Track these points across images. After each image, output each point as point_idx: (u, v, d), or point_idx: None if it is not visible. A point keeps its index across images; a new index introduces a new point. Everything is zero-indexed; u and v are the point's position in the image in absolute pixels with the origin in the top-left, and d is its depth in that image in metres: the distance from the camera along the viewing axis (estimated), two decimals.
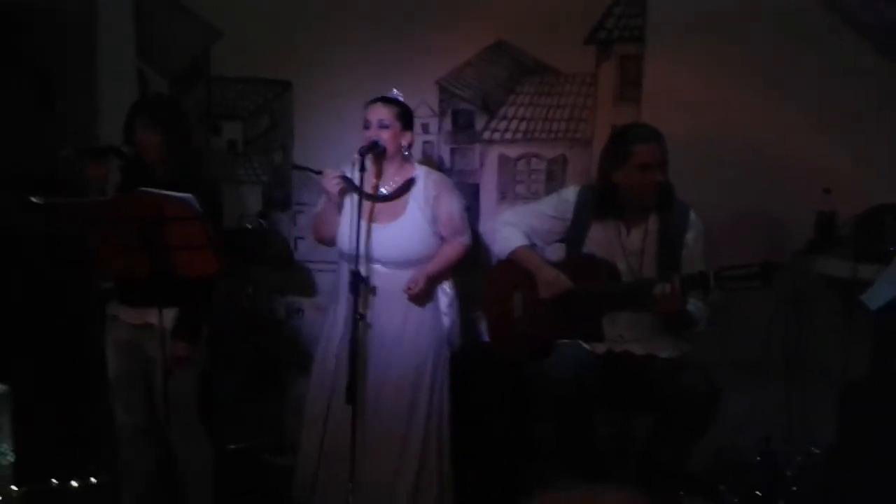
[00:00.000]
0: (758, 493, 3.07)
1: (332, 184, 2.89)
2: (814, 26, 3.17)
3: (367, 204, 2.86)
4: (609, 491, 1.09)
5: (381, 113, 2.87)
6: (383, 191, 2.94)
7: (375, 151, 2.84)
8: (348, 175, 2.89)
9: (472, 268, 3.34)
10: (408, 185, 2.93)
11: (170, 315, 2.69)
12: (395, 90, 2.98)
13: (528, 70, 3.54)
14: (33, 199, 2.44)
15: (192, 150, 2.95)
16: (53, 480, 3.17)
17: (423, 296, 2.91)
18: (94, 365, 2.91)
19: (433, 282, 2.94)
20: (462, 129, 3.64)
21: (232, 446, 3.48)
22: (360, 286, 2.75)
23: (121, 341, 2.82)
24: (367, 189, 2.87)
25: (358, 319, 2.72)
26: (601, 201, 2.83)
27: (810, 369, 3.08)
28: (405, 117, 2.94)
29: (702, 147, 3.18)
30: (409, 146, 2.97)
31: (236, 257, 2.98)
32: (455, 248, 2.97)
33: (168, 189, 2.46)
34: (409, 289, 2.87)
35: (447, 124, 3.65)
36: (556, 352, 2.78)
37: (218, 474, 2.93)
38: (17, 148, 3.53)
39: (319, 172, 2.99)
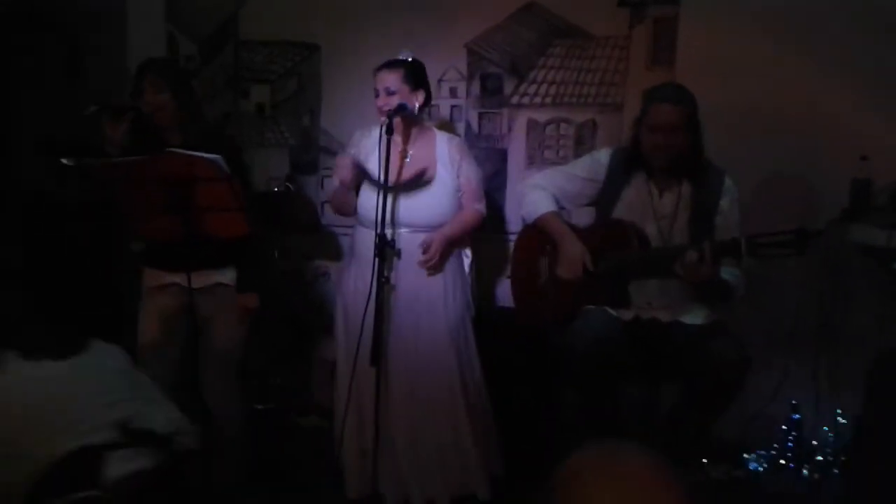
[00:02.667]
0: (782, 461, 3.06)
1: (344, 172, 2.86)
2: None
3: (394, 167, 2.84)
4: (634, 451, 1.09)
5: (387, 80, 2.82)
6: (406, 157, 2.91)
7: (403, 114, 2.81)
8: (372, 144, 2.86)
9: (494, 234, 3.34)
10: (424, 147, 2.91)
11: (232, 273, 2.80)
12: (402, 52, 2.90)
13: (559, 33, 3.49)
14: (65, 162, 2.45)
15: (200, 111, 2.93)
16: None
17: (440, 260, 2.88)
18: (131, 330, 2.94)
19: (452, 245, 2.92)
20: (491, 93, 3.60)
21: (259, 407, 3.52)
22: (386, 250, 2.74)
23: (172, 307, 2.83)
24: (395, 153, 2.84)
25: (383, 283, 2.72)
26: (627, 157, 2.80)
27: (842, 338, 3.04)
28: (415, 77, 2.85)
29: (736, 112, 3.12)
30: (423, 106, 2.89)
31: (263, 220, 2.98)
32: (472, 214, 2.93)
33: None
34: (425, 252, 2.82)
35: (475, 88, 3.61)
36: (581, 318, 2.77)
37: (249, 438, 2.98)
38: (47, 113, 3.55)
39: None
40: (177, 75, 2.84)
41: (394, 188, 2.82)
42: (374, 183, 2.81)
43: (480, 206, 2.96)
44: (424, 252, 2.83)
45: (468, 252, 3.02)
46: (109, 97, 2.77)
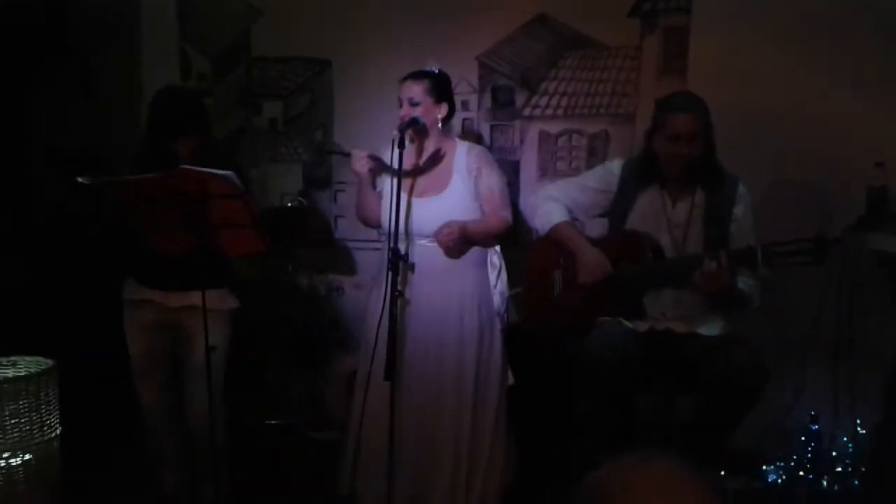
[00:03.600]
0: (801, 472, 3.02)
1: (360, 164, 2.87)
2: None
3: (408, 179, 2.84)
4: (662, 461, 1.08)
5: (411, 90, 2.83)
6: (427, 163, 2.91)
7: (415, 127, 2.82)
8: (384, 157, 2.87)
9: (511, 245, 3.33)
10: (437, 156, 2.89)
11: (214, 295, 2.73)
12: (430, 63, 2.93)
13: (570, 44, 3.49)
14: (80, 180, 2.47)
15: (213, 136, 2.96)
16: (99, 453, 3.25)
17: (455, 250, 2.83)
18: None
19: (468, 241, 2.86)
20: (502, 105, 3.61)
21: (274, 422, 3.52)
22: (400, 264, 2.74)
23: (150, 321, 2.84)
24: (407, 167, 2.84)
25: (397, 297, 2.72)
26: (640, 167, 2.79)
27: (859, 348, 3.01)
28: (439, 89, 2.87)
29: (749, 120, 3.11)
30: (448, 118, 2.91)
31: (277, 236, 3.00)
32: (496, 219, 2.91)
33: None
34: (442, 232, 2.78)
35: (487, 101, 3.62)
36: (596, 329, 2.75)
37: (259, 449, 2.97)
38: (61, 128, 3.58)
39: (348, 154, 2.96)
40: (204, 114, 2.86)
41: (408, 199, 2.82)
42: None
43: (506, 214, 2.93)
44: (445, 228, 2.78)
45: (496, 261, 2.99)
46: (124, 113, 2.78)
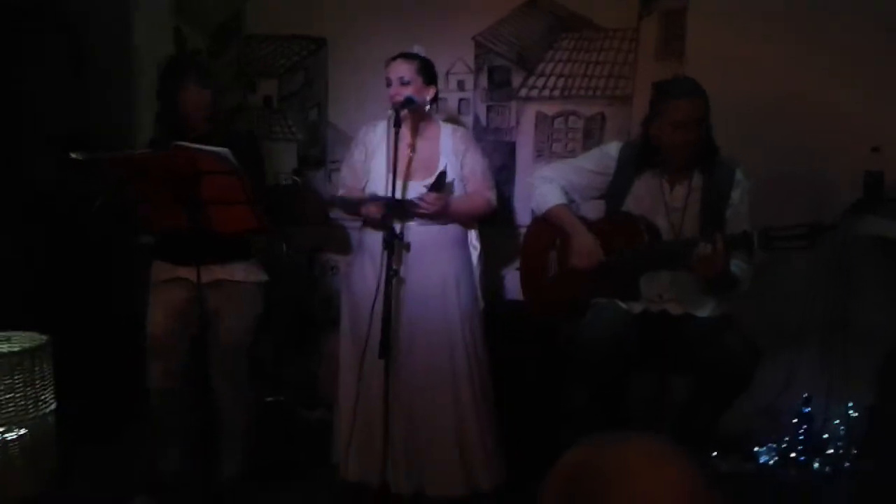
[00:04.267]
0: (793, 454, 3.05)
1: (373, 211, 2.85)
2: None
3: (402, 161, 2.83)
4: (639, 438, 1.06)
5: (402, 69, 2.83)
6: (418, 145, 2.91)
7: (411, 107, 2.81)
8: (378, 133, 2.88)
9: (504, 226, 3.33)
10: (428, 138, 2.91)
11: (241, 268, 2.81)
12: (416, 46, 2.92)
13: (567, 25, 3.47)
14: (73, 155, 2.45)
15: (219, 106, 2.97)
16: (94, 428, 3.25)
17: (437, 216, 2.83)
18: (134, 319, 2.94)
19: (448, 215, 2.86)
20: (498, 86, 3.59)
21: (268, 399, 3.53)
22: (395, 243, 2.73)
23: (180, 300, 2.83)
24: (403, 146, 2.83)
25: (392, 276, 2.71)
26: (639, 153, 2.78)
27: (853, 331, 3.02)
28: (426, 72, 2.88)
29: (746, 104, 3.10)
30: (433, 101, 2.92)
31: (272, 214, 2.99)
32: (480, 200, 2.94)
33: (210, 142, 2.46)
34: (424, 199, 2.78)
35: (483, 81, 3.60)
36: (591, 311, 2.76)
37: (255, 427, 2.99)
38: (53, 109, 3.55)
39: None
40: (212, 74, 2.90)
41: (402, 180, 2.82)
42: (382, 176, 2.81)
43: (490, 195, 2.96)
44: (429, 195, 2.78)
45: (476, 244, 3.02)
46: (118, 91, 2.78)
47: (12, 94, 3.53)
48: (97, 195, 2.81)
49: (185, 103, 2.78)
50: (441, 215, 2.83)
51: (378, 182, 2.89)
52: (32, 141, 3.62)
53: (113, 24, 3.86)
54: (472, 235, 3.02)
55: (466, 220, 2.97)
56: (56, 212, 3.54)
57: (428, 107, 2.89)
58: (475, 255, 3.01)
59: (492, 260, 3.19)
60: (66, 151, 2.47)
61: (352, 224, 3.56)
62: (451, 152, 2.90)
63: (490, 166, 3.05)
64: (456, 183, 2.90)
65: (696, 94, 2.65)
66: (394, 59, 2.87)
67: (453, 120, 3.38)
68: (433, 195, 2.78)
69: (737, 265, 2.65)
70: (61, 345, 2.60)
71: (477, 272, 3.01)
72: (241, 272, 2.87)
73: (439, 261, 2.89)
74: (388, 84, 2.85)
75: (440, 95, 3.11)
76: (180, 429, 2.95)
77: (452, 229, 2.94)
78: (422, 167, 2.89)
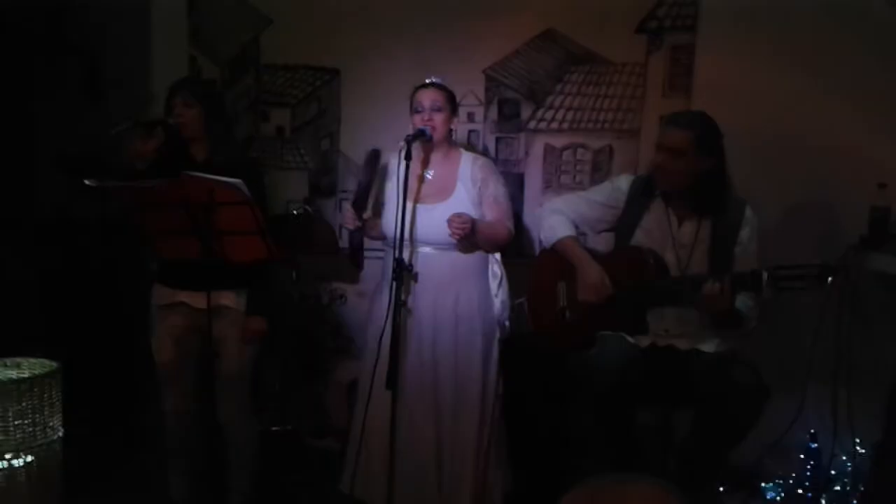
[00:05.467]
0: (800, 490, 3.03)
1: (348, 220, 2.92)
2: (869, 17, 3.10)
3: (413, 185, 2.87)
4: (638, 482, 1.08)
5: (435, 96, 2.91)
6: (428, 175, 2.95)
7: (422, 139, 2.85)
8: (391, 166, 2.92)
9: (516, 256, 3.34)
10: (444, 165, 2.96)
11: (242, 296, 2.83)
12: (431, 77, 3.00)
13: (576, 59, 3.51)
14: (87, 182, 2.49)
15: (230, 131, 3.00)
16: (101, 457, 3.26)
17: (464, 242, 2.85)
18: (143, 346, 2.96)
19: (475, 239, 2.87)
20: (508, 118, 3.63)
21: (275, 428, 3.53)
22: (403, 273, 2.75)
23: (182, 326, 2.86)
24: (412, 177, 2.86)
25: (400, 306, 2.73)
26: (646, 184, 2.83)
27: (860, 368, 3.01)
28: (453, 102, 2.99)
29: (753, 139, 3.12)
30: (455, 131, 3.02)
31: (282, 243, 3.02)
32: (502, 228, 2.96)
33: (207, 170, 2.50)
34: (455, 221, 2.77)
35: (493, 113, 3.64)
36: (598, 343, 2.76)
37: (260, 456, 2.99)
38: (68, 133, 3.61)
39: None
40: (207, 93, 2.92)
41: (413, 207, 2.85)
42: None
43: (510, 225, 3.00)
44: (457, 217, 2.79)
45: (497, 270, 3.02)
46: (131, 117, 2.81)
47: (29, 118, 3.59)
48: (121, 122, 2.78)
49: (176, 120, 2.80)
50: (468, 238, 2.83)
51: (390, 210, 2.92)
52: (46, 166, 3.67)
53: (130, 52, 3.92)
54: (494, 264, 3.02)
55: (489, 247, 2.99)
56: (67, 237, 3.58)
57: (453, 135, 3.00)
58: (496, 282, 3.01)
59: None
60: (80, 177, 2.51)
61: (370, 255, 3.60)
62: (468, 179, 2.94)
63: (509, 196, 3.07)
64: (470, 209, 2.90)
65: (686, 126, 2.68)
66: (425, 86, 2.94)
67: (476, 152, 3.40)
68: (458, 219, 2.78)
69: (744, 303, 2.66)
70: (71, 371, 2.61)
71: (499, 300, 3.01)
72: (244, 300, 2.88)
73: (450, 289, 2.90)
74: (419, 110, 2.90)
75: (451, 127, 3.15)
76: (193, 455, 2.96)
77: (471, 258, 2.95)
78: (436, 192, 2.93)
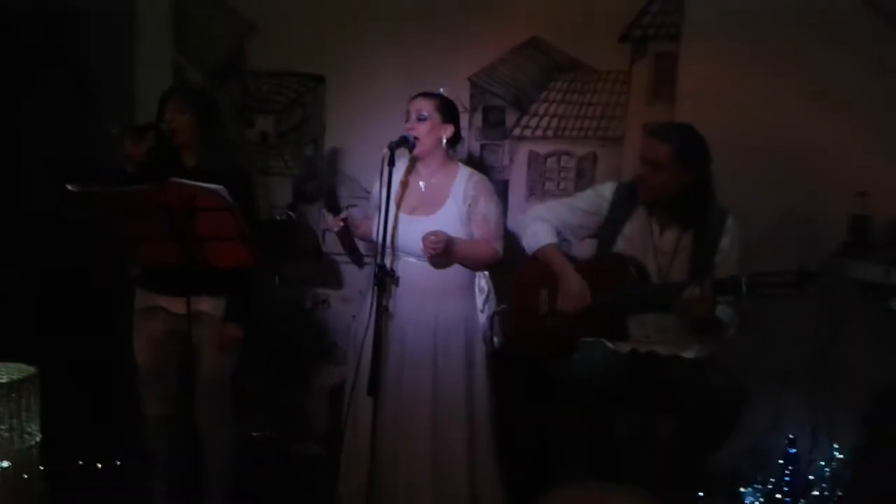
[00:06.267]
0: (779, 495, 3.05)
1: (331, 224, 2.94)
2: (852, 26, 3.12)
3: (399, 193, 2.87)
4: (619, 492, 1.09)
5: (421, 105, 2.86)
6: (421, 185, 2.93)
7: (405, 146, 2.85)
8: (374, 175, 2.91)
9: (500, 265, 3.35)
10: (435, 177, 2.92)
11: (221, 302, 2.82)
12: (442, 89, 2.94)
13: (561, 67, 3.53)
14: (70, 188, 2.49)
15: (223, 139, 3.00)
16: (79, 462, 3.25)
17: (437, 260, 2.81)
18: (123, 350, 2.96)
19: (451, 254, 2.81)
20: (492, 125, 3.65)
21: (255, 433, 3.53)
22: (386, 280, 2.76)
23: (160, 331, 2.86)
24: (396, 184, 2.86)
25: (382, 312, 2.73)
26: (629, 191, 2.84)
27: (839, 374, 3.03)
28: (446, 110, 2.90)
29: (736, 147, 3.13)
30: (453, 140, 2.93)
31: (265, 248, 3.02)
32: (486, 248, 2.88)
33: (196, 176, 2.51)
34: (429, 238, 2.73)
35: (478, 120, 3.66)
36: (579, 350, 2.77)
37: (241, 461, 2.99)
38: (57, 140, 3.60)
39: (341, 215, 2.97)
40: (199, 100, 2.91)
41: (398, 216, 2.84)
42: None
43: (497, 246, 2.90)
44: (431, 236, 2.74)
45: (483, 285, 2.98)
46: (118, 124, 2.82)
47: (15, 123, 3.58)
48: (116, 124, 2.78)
49: (167, 126, 2.80)
50: (442, 256, 2.79)
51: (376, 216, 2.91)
52: (34, 172, 3.67)
53: (116, 60, 3.92)
54: (481, 279, 2.98)
55: (471, 266, 2.92)
56: (49, 242, 3.57)
57: (444, 145, 2.88)
58: (482, 297, 2.97)
59: None
60: (64, 181, 2.51)
61: (343, 258, 3.60)
62: (460, 195, 2.88)
63: (502, 217, 2.99)
64: (457, 226, 2.87)
65: (665, 138, 2.69)
66: (416, 95, 2.91)
67: (474, 166, 3.40)
68: (431, 237, 2.74)
69: (723, 310, 2.67)
70: (50, 376, 2.61)
71: (485, 315, 2.96)
72: (222, 306, 2.87)
73: (432, 300, 2.88)
74: (406, 119, 2.89)
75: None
76: (172, 460, 2.96)
77: (456, 271, 2.90)
78: (424, 204, 2.89)
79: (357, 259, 3.04)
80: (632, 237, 2.82)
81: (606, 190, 2.92)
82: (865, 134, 3.12)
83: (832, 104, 3.16)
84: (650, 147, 2.72)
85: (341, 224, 2.91)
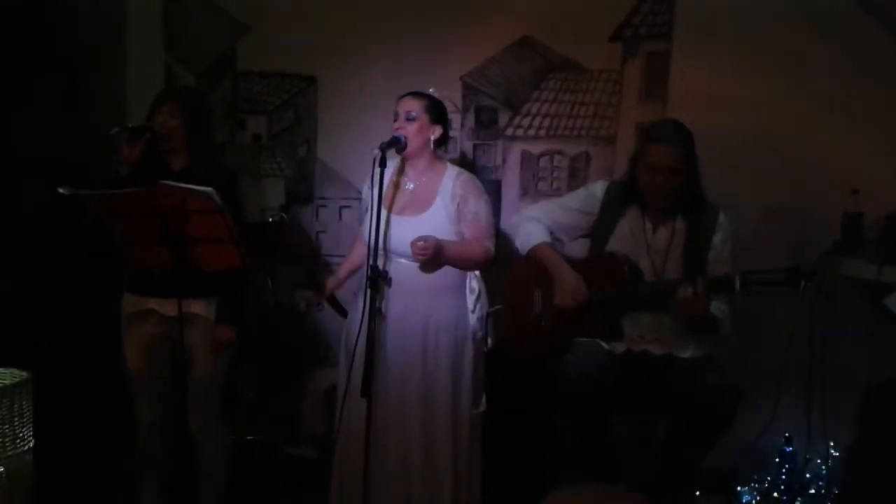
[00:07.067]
0: (775, 493, 3.05)
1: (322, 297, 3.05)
2: (844, 25, 3.13)
3: (390, 194, 2.86)
4: (618, 495, 1.08)
5: (409, 105, 2.85)
6: (409, 185, 2.92)
7: (396, 147, 2.84)
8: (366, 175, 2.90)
9: (492, 264, 3.34)
10: (423, 177, 2.92)
11: (213, 304, 2.81)
12: (431, 89, 2.93)
13: (553, 67, 3.53)
14: (60, 190, 2.47)
15: (212, 141, 2.99)
16: (72, 468, 3.23)
17: (427, 265, 2.80)
18: (116, 355, 2.95)
19: (441, 258, 2.79)
20: (485, 125, 3.64)
21: (250, 437, 3.52)
22: (378, 280, 2.75)
23: (152, 333, 2.84)
24: (387, 184, 2.85)
25: (375, 313, 2.72)
26: (622, 191, 2.82)
27: (833, 371, 3.04)
28: (435, 110, 2.89)
29: (728, 146, 3.14)
30: (441, 141, 2.92)
31: (258, 251, 3.01)
32: (478, 248, 2.86)
33: (184, 179, 2.50)
34: (417, 245, 2.72)
35: (470, 120, 3.65)
36: (573, 350, 2.77)
37: (236, 464, 2.98)
38: (46, 141, 3.59)
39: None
40: (190, 103, 2.89)
41: (387, 215, 2.83)
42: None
43: (489, 244, 2.88)
44: (420, 241, 2.73)
45: (475, 286, 2.96)
46: (118, 125, 2.81)
47: (5, 127, 3.57)
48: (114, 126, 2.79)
49: (155, 127, 2.79)
50: (431, 261, 2.77)
51: (368, 217, 2.90)
52: (23, 173, 3.65)
53: (107, 60, 3.91)
54: (472, 279, 2.96)
55: (463, 267, 2.91)
56: (41, 245, 3.55)
57: (432, 146, 2.87)
58: (472, 297, 2.94)
59: None
60: (54, 184, 2.49)
61: (337, 260, 3.60)
62: (448, 194, 2.87)
63: (492, 215, 2.97)
64: (446, 226, 2.86)
65: (673, 141, 2.69)
66: (404, 95, 2.90)
67: (466, 166, 3.39)
68: (420, 243, 2.72)
69: (717, 308, 2.68)
70: (43, 381, 2.59)
71: (475, 316, 2.94)
72: (214, 308, 2.85)
73: (422, 301, 2.86)
74: (395, 119, 2.87)
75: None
76: (165, 464, 2.94)
77: (447, 271, 2.88)
78: (414, 204, 2.89)
79: (343, 314, 3.09)
80: (625, 236, 2.82)
81: (598, 189, 2.92)
82: (858, 130, 3.13)
83: (824, 102, 3.16)
84: (663, 154, 2.68)
85: (330, 293, 3.01)
